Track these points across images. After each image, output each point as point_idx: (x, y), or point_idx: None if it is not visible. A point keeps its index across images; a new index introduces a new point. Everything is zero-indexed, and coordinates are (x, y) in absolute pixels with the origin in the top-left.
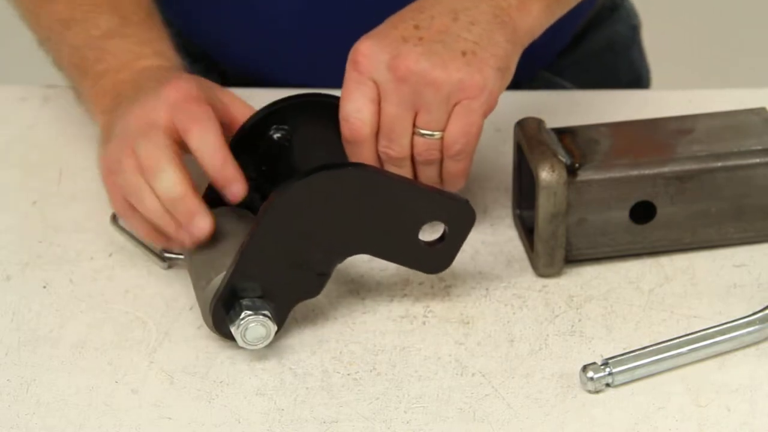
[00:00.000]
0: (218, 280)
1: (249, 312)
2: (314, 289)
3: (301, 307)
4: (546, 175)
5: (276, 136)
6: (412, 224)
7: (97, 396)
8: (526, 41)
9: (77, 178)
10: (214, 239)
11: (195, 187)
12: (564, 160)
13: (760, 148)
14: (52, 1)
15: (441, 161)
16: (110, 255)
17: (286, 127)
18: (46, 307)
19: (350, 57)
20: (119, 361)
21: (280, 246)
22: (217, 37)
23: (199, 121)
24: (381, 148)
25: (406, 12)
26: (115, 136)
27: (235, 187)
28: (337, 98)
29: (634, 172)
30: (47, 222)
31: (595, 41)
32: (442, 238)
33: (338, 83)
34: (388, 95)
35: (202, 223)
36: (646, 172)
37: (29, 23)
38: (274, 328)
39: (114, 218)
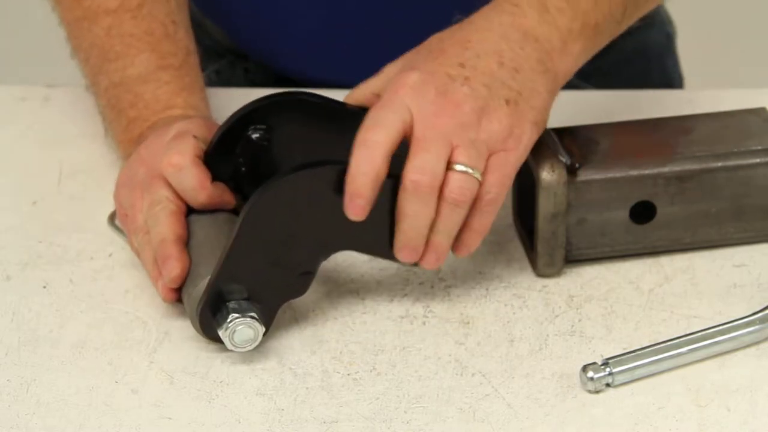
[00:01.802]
0: (204, 284)
1: (236, 315)
2: (300, 289)
3: (301, 307)
4: (546, 175)
5: (254, 136)
6: (394, 216)
7: (97, 396)
8: (561, 86)
9: (77, 178)
10: (198, 245)
11: (181, 235)
12: (564, 160)
13: (760, 148)
14: (91, 21)
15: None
16: (110, 255)
17: (264, 126)
18: (46, 307)
19: (391, 86)
20: (119, 361)
21: (262, 247)
22: (243, 31)
23: (157, 213)
24: (410, 176)
25: (450, 47)
26: (127, 180)
27: (170, 265)
28: (317, 96)
29: (634, 172)
30: (47, 222)
31: (626, 48)
32: None
33: (361, 80)
34: (428, 122)
35: (171, 266)
36: (646, 172)
37: (66, 32)
38: (261, 329)
39: (111, 218)
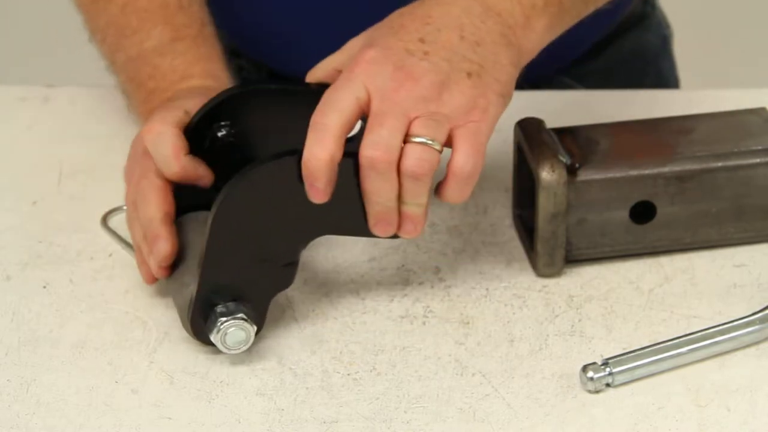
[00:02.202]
0: (188, 292)
1: (224, 318)
2: (286, 281)
3: (301, 307)
4: (546, 175)
5: (219, 134)
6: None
7: (97, 396)
8: (526, 62)
9: (77, 178)
10: (185, 249)
11: (168, 212)
12: (564, 160)
13: (760, 148)
14: (107, 1)
15: (429, 185)
16: (110, 255)
17: (227, 122)
18: (46, 307)
19: (350, 64)
20: (119, 361)
21: (238, 245)
22: (238, 30)
23: (143, 188)
24: (365, 152)
25: (410, 22)
26: (132, 155)
27: (159, 245)
28: (275, 82)
29: (634, 172)
30: (47, 222)
31: (622, 50)
32: None
33: None
34: (385, 97)
35: (160, 246)
36: (646, 172)
37: (83, 15)
38: (253, 329)
39: (104, 219)
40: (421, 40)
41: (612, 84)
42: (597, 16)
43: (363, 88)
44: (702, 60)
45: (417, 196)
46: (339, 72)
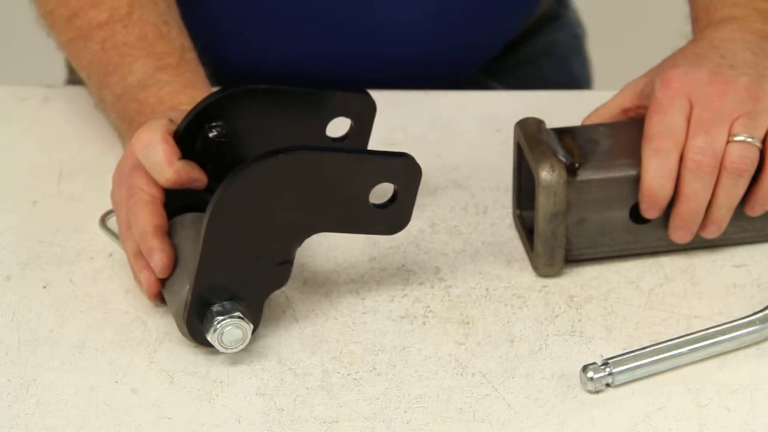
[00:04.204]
0: (183, 295)
1: (220, 317)
2: (281, 279)
3: (301, 307)
4: (546, 175)
5: (211, 135)
6: (359, 192)
7: (97, 396)
8: None
9: (77, 178)
10: (178, 250)
11: (159, 225)
12: (564, 160)
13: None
14: (86, 39)
15: (746, 183)
16: (110, 255)
17: (219, 123)
18: (46, 307)
19: (663, 81)
20: (119, 361)
21: (233, 245)
22: (209, 33)
23: (132, 206)
24: (692, 156)
25: (700, 50)
26: (117, 178)
27: (156, 257)
28: (265, 83)
29: (634, 172)
30: (47, 222)
31: (533, 47)
32: (393, 198)
33: (335, 72)
34: (706, 103)
35: (157, 258)
36: None
37: (66, 55)
38: (249, 327)
39: (103, 220)
40: (722, 57)
41: (523, 79)
42: (512, 13)
43: (686, 100)
44: (614, 60)
45: (732, 197)
46: (624, 111)
